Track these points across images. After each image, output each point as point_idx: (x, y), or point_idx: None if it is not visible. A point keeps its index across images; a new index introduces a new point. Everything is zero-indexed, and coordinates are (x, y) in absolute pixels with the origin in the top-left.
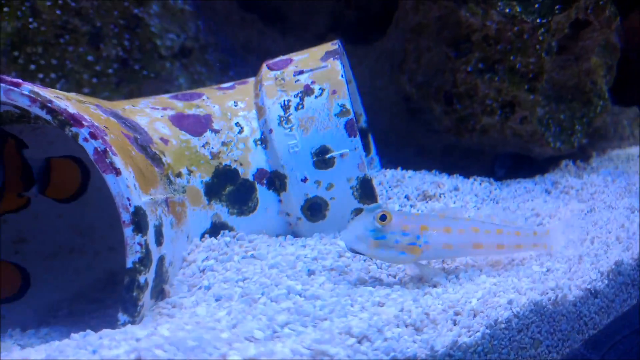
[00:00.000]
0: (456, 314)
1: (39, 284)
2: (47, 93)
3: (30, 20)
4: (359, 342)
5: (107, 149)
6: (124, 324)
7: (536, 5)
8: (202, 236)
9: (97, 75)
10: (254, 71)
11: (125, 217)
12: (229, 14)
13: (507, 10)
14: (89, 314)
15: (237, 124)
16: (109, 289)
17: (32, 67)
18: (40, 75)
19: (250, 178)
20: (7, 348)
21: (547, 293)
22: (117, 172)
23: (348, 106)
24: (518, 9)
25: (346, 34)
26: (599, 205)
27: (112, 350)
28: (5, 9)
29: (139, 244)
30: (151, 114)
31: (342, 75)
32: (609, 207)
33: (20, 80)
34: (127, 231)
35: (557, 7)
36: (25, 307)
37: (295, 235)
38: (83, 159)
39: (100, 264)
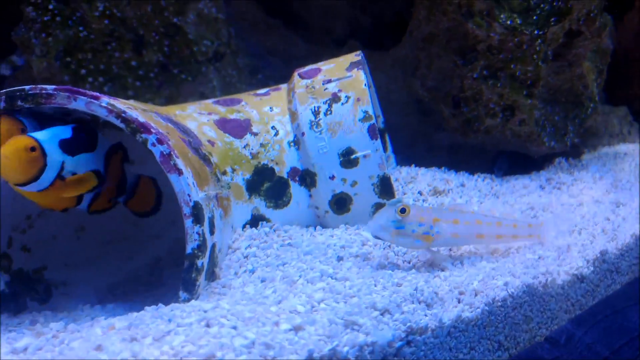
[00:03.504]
0: (460, 293)
1: (97, 267)
2: (120, 104)
3: (81, 29)
4: (382, 314)
5: (171, 153)
6: (185, 301)
7: (534, 18)
8: (244, 227)
9: (140, 79)
10: (280, 74)
11: (187, 210)
12: (256, 21)
13: (508, 22)
14: (142, 294)
15: (273, 127)
16: (157, 273)
17: (83, 71)
18: (90, 79)
19: (285, 176)
20: (83, 319)
21: (538, 277)
22: (180, 172)
23: (370, 112)
24: (518, 21)
25: (363, 40)
26: (587, 200)
27: (185, 319)
28: (57, 19)
29: (198, 233)
30: (199, 118)
31: (365, 84)
32: (596, 202)
33: (98, 94)
34: (188, 222)
35: (552, 19)
36: (85, 286)
37: (323, 226)
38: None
39: (147, 251)
